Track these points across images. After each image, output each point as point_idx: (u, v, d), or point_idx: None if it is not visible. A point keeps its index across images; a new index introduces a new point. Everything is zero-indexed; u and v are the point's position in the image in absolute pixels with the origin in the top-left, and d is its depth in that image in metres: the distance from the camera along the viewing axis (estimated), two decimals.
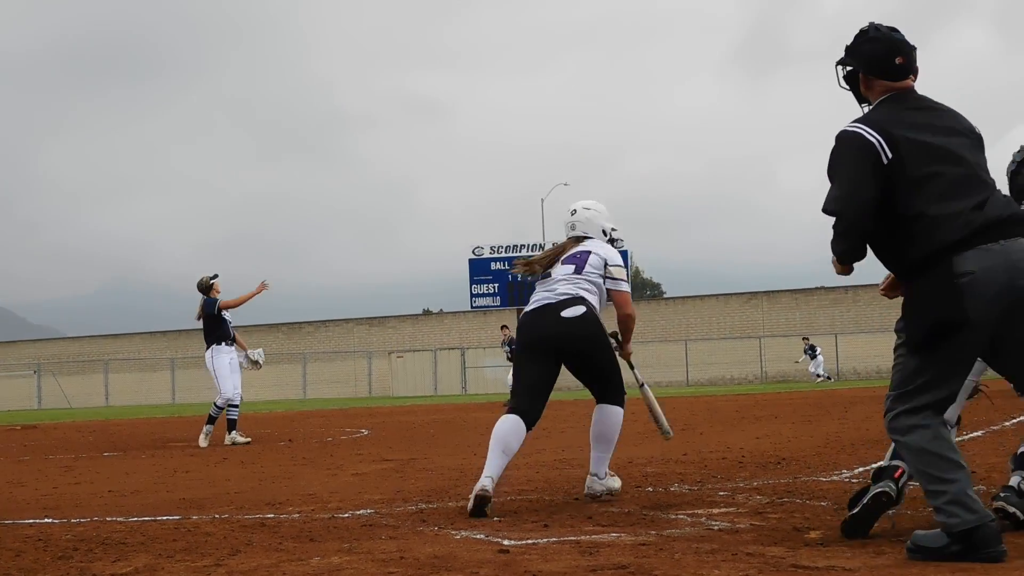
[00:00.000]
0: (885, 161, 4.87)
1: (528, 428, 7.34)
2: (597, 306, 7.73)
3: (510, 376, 29.03)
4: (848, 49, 5.30)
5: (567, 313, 7.47)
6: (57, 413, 41.64)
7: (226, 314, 16.32)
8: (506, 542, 5.59)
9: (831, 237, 5.07)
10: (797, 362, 50.95)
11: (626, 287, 7.85)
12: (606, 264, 7.77)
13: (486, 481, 6.74)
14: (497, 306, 53.23)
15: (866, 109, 5.20)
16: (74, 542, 6.14)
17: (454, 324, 61.11)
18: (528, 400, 7.53)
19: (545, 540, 5.63)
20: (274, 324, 65.72)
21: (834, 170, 5.04)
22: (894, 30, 5.17)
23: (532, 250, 52.25)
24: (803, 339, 51.29)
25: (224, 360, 16.15)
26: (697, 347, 55.70)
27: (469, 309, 55.95)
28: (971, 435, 11.73)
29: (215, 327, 16.20)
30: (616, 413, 7.66)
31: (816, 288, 57.07)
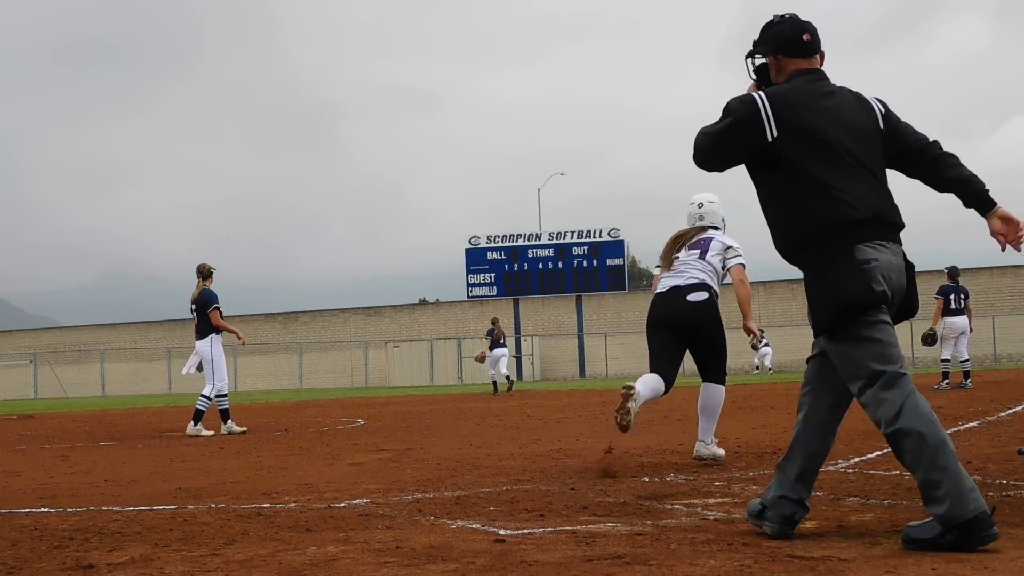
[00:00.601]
0: (770, 138, 5.06)
1: (666, 389, 8.74)
2: (717, 289, 9.15)
3: (493, 368, 28.95)
4: (757, 41, 5.46)
5: (692, 297, 8.96)
6: (53, 403, 41.63)
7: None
8: (502, 532, 5.59)
9: (697, 144, 5.32)
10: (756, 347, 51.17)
11: (743, 261, 9.20)
12: (726, 247, 9.21)
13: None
14: (493, 296, 53.34)
15: None
16: (70, 532, 6.14)
17: (450, 314, 61.16)
18: (661, 365, 8.89)
19: (541, 530, 5.64)
20: (270, 314, 65.75)
21: (722, 119, 5.21)
22: (802, 21, 5.35)
23: (529, 240, 52.31)
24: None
25: (221, 349, 16.24)
26: None
27: (465, 299, 56.04)
28: (967, 426, 11.74)
29: (208, 317, 16.21)
30: (719, 390, 9.24)
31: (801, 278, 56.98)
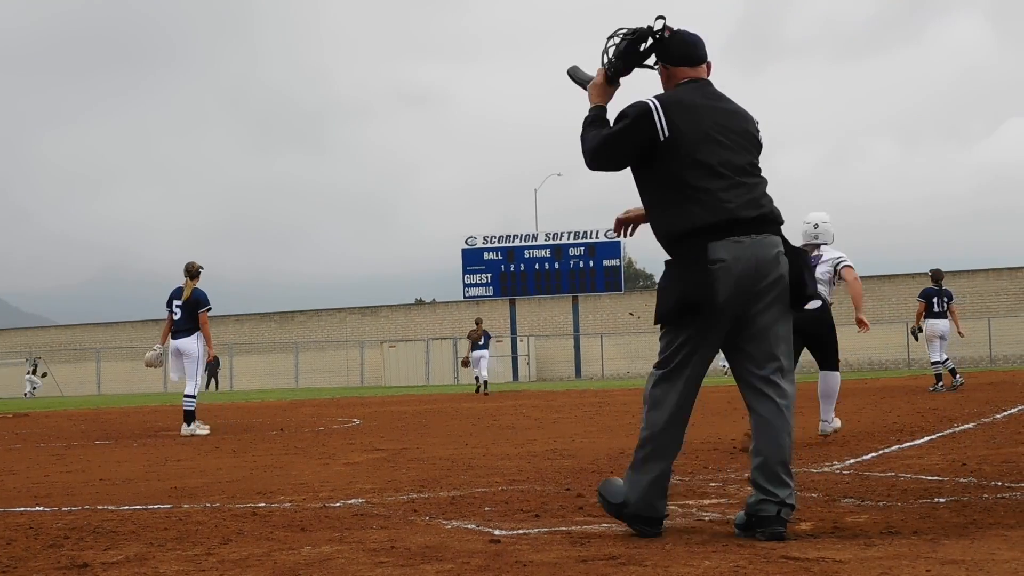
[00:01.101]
0: (662, 138, 5.38)
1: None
2: (829, 297, 11.10)
3: (476, 368, 29.14)
4: (628, 48, 5.71)
5: (809, 307, 9.56)
6: (49, 402, 41.61)
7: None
8: (497, 532, 5.59)
9: (586, 150, 5.65)
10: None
11: (851, 263, 11.17)
12: (836, 258, 11.20)
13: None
14: (490, 296, 53.39)
15: None
16: (65, 530, 6.14)
17: (447, 314, 61.13)
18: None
19: (536, 530, 5.64)
20: (266, 313, 65.74)
21: (617, 123, 5.54)
22: (689, 33, 5.74)
23: (526, 240, 52.33)
24: None
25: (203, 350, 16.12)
26: None
27: (462, 299, 56.06)
28: (962, 427, 11.76)
29: (197, 317, 16.05)
30: (835, 376, 11.06)
31: None
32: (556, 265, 52.30)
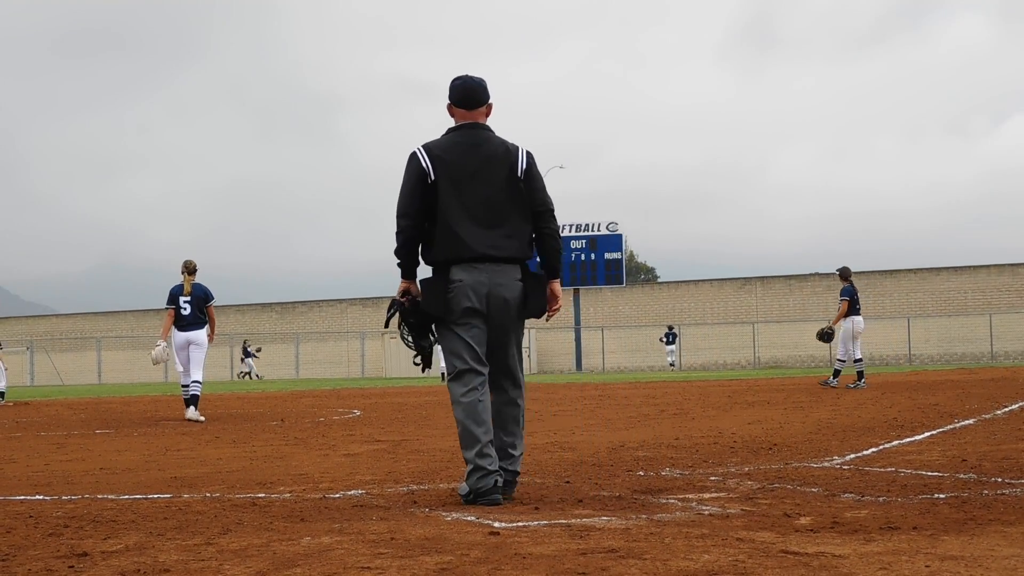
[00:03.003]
0: (429, 181, 6.50)
1: None
2: None
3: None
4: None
5: None
6: (49, 390, 41.64)
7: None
8: (496, 524, 5.59)
9: (398, 218, 6.63)
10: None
11: None
12: None
13: None
14: None
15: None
16: (65, 519, 6.14)
17: None
18: None
19: (535, 523, 5.64)
20: (267, 304, 65.76)
21: (403, 180, 6.60)
22: (475, 78, 6.76)
23: None
24: (667, 327, 52.32)
25: None
26: (690, 332, 55.80)
27: None
28: (963, 423, 11.75)
29: (206, 311, 17.09)
30: None
31: (810, 274, 57.14)
32: None
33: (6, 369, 27.21)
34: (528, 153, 6.71)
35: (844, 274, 22.48)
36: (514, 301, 6.60)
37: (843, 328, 22.10)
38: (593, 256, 51.70)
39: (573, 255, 51.37)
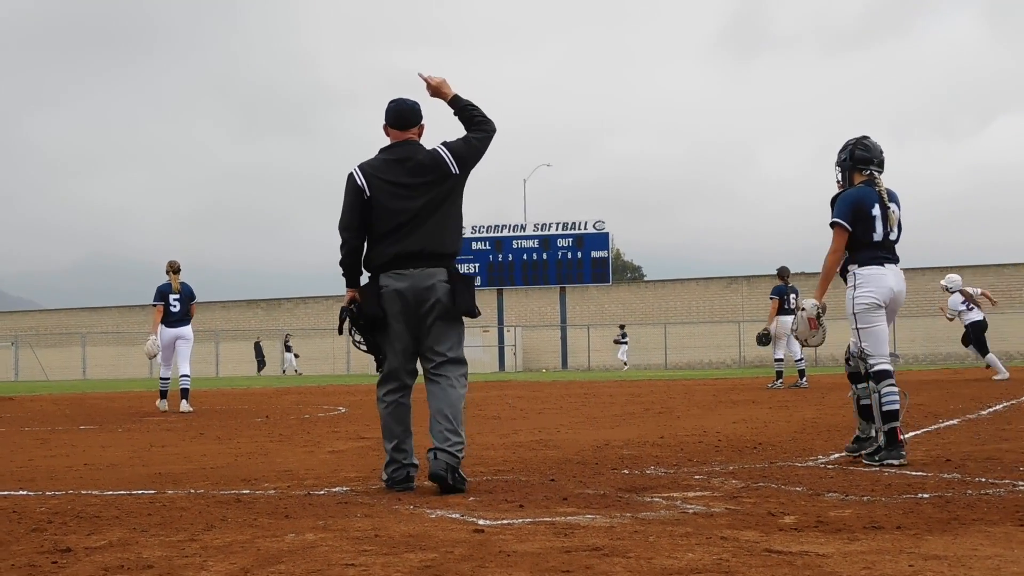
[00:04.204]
0: (365, 197, 7.12)
1: None
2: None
3: None
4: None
5: None
6: (34, 385, 41.52)
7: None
8: (481, 522, 5.60)
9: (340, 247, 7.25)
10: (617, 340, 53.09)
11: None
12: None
13: None
14: (478, 286, 53.13)
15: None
16: (48, 515, 6.13)
17: None
18: None
19: (520, 521, 5.64)
20: (253, 300, 65.68)
21: (343, 198, 7.21)
22: (408, 101, 7.40)
23: (514, 231, 52.30)
24: (619, 326, 52.68)
25: None
26: (676, 331, 55.82)
27: None
28: (947, 423, 11.78)
29: (190, 308, 18.25)
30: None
31: (797, 273, 57.17)
32: (544, 256, 52.19)
33: None
34: (443, 146, 7.31)
35: (780, 273, 22.77)
36: (442, 300, 7.15)
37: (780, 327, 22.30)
38: (580, 254, 51.67)
39: (560, 253, 51.39)
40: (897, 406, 7.95)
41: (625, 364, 51.93)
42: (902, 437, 7.99)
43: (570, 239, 51.73)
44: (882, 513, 5.69)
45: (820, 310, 8.67)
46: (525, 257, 52.24)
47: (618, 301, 58.29)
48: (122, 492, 7.17)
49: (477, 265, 52.09)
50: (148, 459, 9.65)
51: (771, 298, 22.64)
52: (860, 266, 8.18)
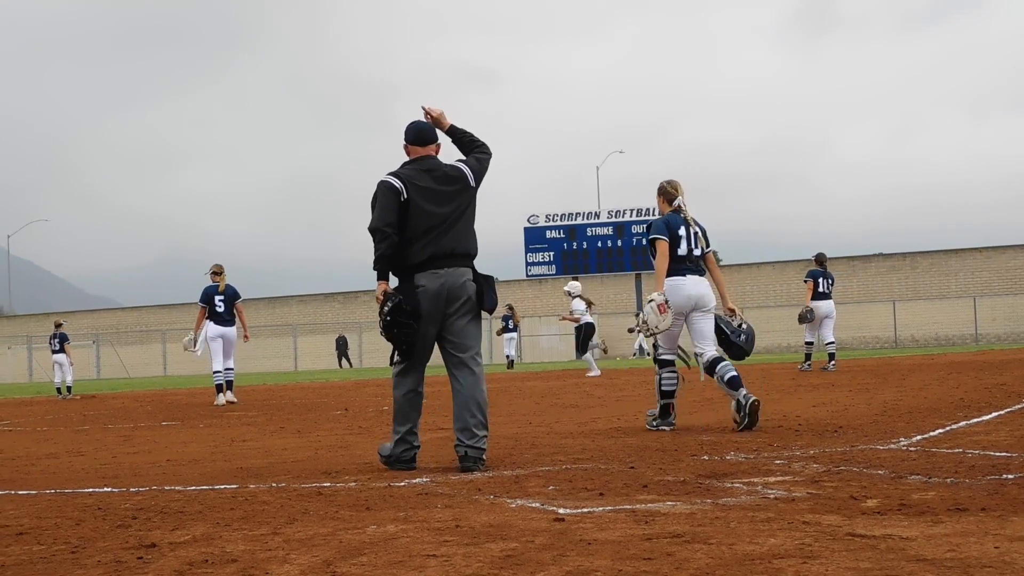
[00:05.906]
0: (403, 199, 7.68)
1: None
2: None
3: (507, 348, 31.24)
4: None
5: None
6: (116, 383, 42.05)
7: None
8: (561, 511, 5.59)
9: (374, 247, 7.72)
10: (630, 330, 52.37)
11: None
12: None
13: None
14: (553, 275, 53.22)
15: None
16: (133, 511, 6.20)
17: (509, 293, 61.09)
18: None
19: (600, 509, 5.63)
20: (330, 293, 66.03)
21: (377, 202, 7.74)
22: (423, 123, 8.13)
23: (588, 218, 52.20)
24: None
25: None
26: (752, 315, 55.28)
27: (524, 278, 56.02)
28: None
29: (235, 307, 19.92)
30: None
31: (874, 255, 56.68)
32: (618, 243, 52.02)
33: (72, 364, 27.62)
34: (460, 161, 8.09)
35: (818, 259, 22.79)
36: (472, 298, 7.89)
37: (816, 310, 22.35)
38: None
39: (634, 239, 51.22)
40: (675, 387, 10.38)
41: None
42: (673, 411, 10.40)
43: (644, 225, 51.58)
44: (966, 495, 5.62)
45: (664, 299, 10.31)
46: (599, 244, 52.10)
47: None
48: (205, 487, 7.24)
49: (552, 254, 52.07)
50: (230, 454, 9.74)
51: (805, 280, 22.89)
52: (667, 276, 10.56)
